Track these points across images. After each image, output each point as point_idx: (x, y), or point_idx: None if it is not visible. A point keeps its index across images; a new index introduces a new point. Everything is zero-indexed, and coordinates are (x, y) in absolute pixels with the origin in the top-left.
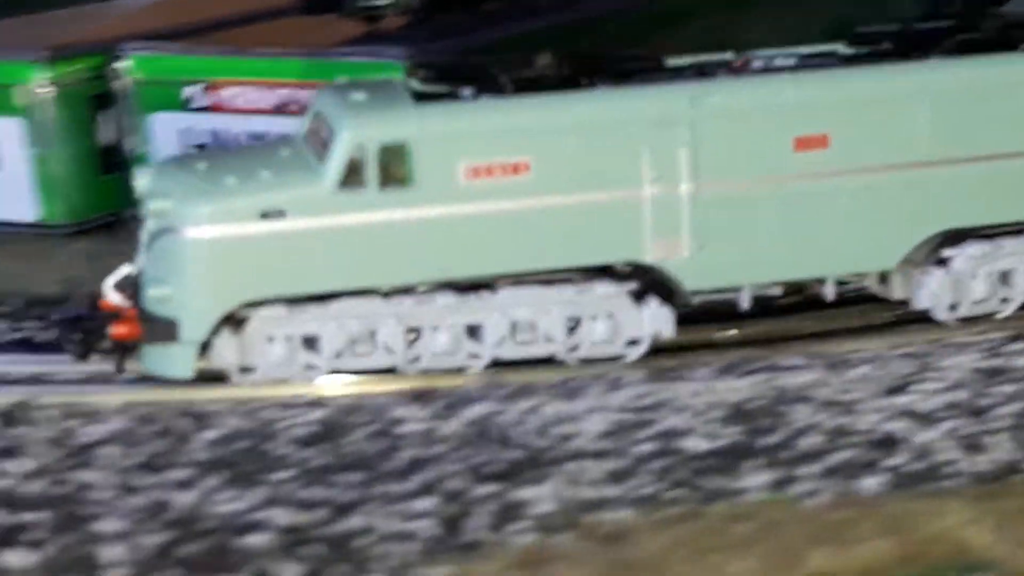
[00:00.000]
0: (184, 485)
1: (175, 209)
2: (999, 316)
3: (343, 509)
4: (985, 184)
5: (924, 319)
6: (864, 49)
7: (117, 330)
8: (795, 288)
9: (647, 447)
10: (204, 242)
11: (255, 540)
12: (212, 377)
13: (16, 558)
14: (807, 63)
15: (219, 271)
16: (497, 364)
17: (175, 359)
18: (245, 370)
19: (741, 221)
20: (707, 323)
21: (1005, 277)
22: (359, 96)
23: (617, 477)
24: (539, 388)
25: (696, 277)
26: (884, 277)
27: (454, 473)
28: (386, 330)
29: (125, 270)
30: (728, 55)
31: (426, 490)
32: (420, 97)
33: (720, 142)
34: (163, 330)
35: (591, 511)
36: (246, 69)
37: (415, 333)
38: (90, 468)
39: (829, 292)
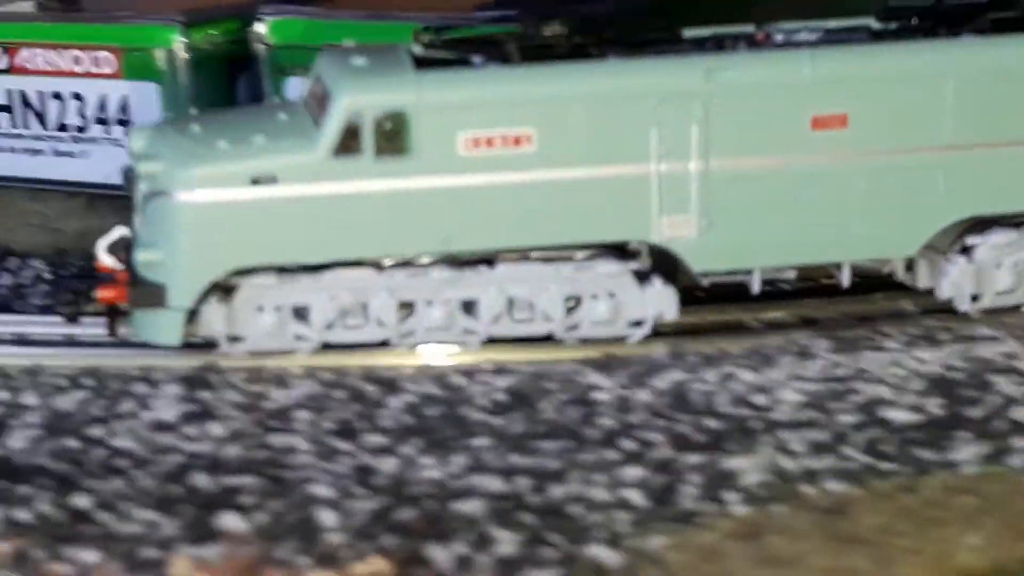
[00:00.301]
0: (384, 451)
1: (165, 172)
2: None
3: (550, 477)
4: (1012, 171)
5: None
6: (894, 25)
7: (104, 293)
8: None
9: (850, 418)
10: (193, 206)
11: (466, 507)
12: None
13: (232, 522)
14: (832, 38)
15: (208, 237)
16: (493, 341)
17: (163, 325)
18: (234, 339)
19: (753, 201)
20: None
21: None
22: (360, 61)
23: (824, 448)
24: (727, 357)
25: (705, 258)
26: (910, 264)
27: (658, 442)
28: (378, 303)
29: (119, 232)
30: (749, 27)
31: (632, 459)
32: (422, 64)
33: (734, 119)
34: (151, 295)
35: (803, 482)
36: (379, 32)
37: (409, 307)
38: (287, 433)
39: (845, 278)
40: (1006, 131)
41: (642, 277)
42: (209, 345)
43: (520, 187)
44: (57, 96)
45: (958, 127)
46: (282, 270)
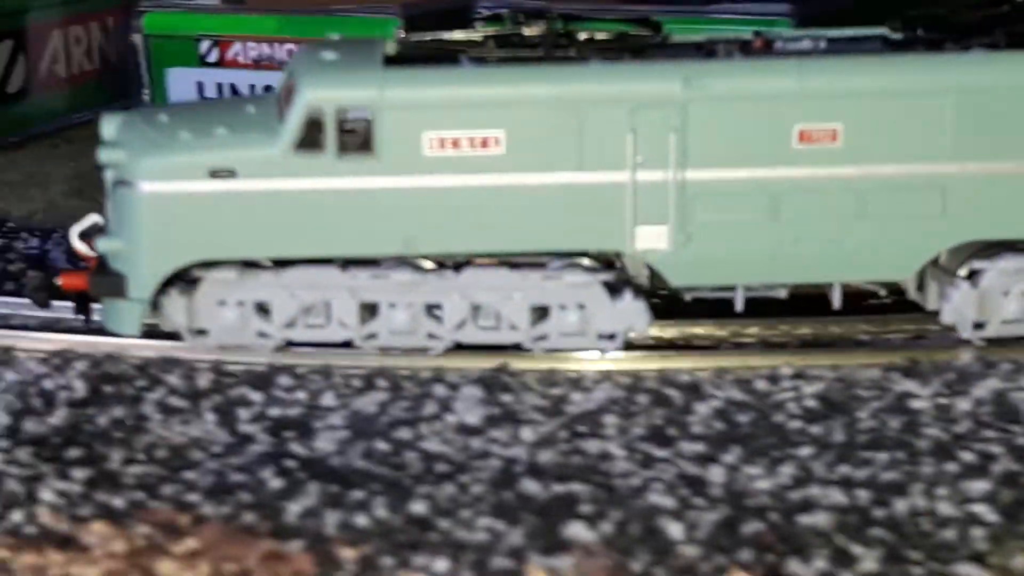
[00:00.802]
0: (706, 459)
1: (127, 161)
2: None
3: (890, 490)
4: (1015, 194)
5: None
6: (910, 36)
7: (66, 280)
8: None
9: None
10: (152, 197)
11: (813, 520)
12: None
13: (579, 531)
14: (838, 48)
15: (166, 228)
16: (461, 347)
17: (124, 315)
18: (199, 332)
19: (734, 216)
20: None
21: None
22: (330, 55)
23: None
24: None
25: (681, 272)
26: (921, 284)
27: (998, 454)
28: (339, 303)
29: (91, 219)
30: (747, 34)
31: (974, 471)
32: (395, 61)
33: (713, 129)
34: (111, 285)
35: None
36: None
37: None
38: (598, 438)
39: (836, 299)
40: (1011, 152)
41: (614, 289)
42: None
43: (487, 191)
44: (269, 90)
45: (959, 146)
46: (248, 264)
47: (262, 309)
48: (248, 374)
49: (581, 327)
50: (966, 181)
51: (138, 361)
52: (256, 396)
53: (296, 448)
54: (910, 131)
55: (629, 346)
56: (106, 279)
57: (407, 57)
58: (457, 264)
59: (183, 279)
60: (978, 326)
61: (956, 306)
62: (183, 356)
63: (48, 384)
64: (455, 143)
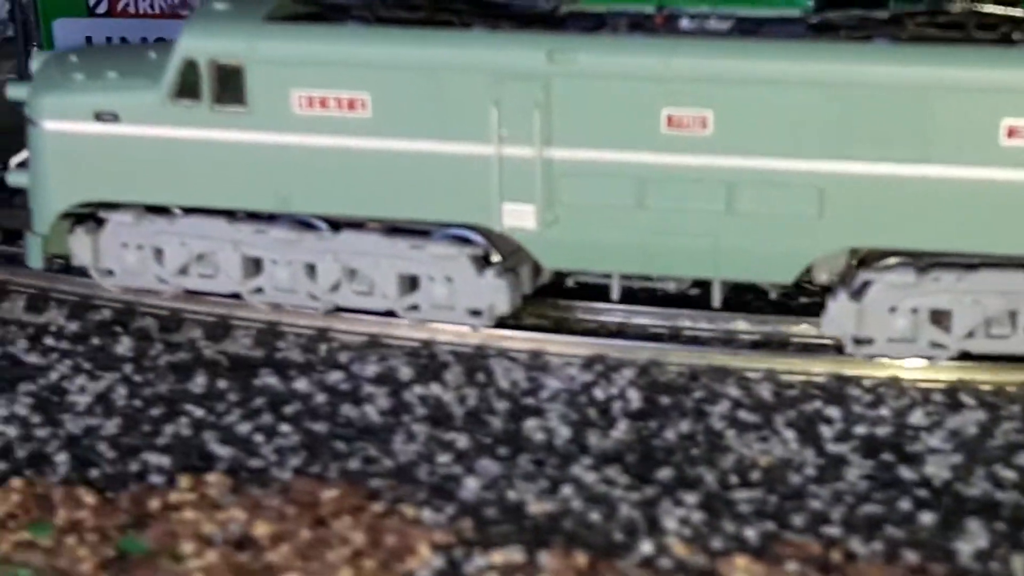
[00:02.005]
0: None
1: (29, 99)
2: (931, 362)
3: None
4: (905, 199)
5: None
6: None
7: None
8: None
9: None
10: (48, 135)
11: None
12: None
13: None
14: (748, 29)
15: (59, 167)
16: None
17: (31, 249)
18: (108, 272)
19: (601, 199)
20: None
21: (938, 318)
22: (220, 6)
23: None
24: None
25: (550, 255)
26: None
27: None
28: (223, 255)
29: (25, 153)
30: (649, 7)
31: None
32: (276, 17)
33: (580, 107)
34: (17, 217)
35: None
36: None
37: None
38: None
39: (715, 297)
40: (896, 154)
41: (483, 264)
42: None
43: (355, 153)
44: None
45: (840, 143)
46: (150, 208)
47: (159, 254)
48: (816, 385)
49: (450, 300)
50: (846, 183)
51: (684, 369)
52: (833, 411)
53: (907, 473)
54: (785, 124)
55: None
56: (13, 212)
57: (298, 14)
58: (336, 224)
59: (92, 218)
60: (864, 341)
61: (834, 318)
62: (734, 365)
63: (598, 393)
64: (323, 103)
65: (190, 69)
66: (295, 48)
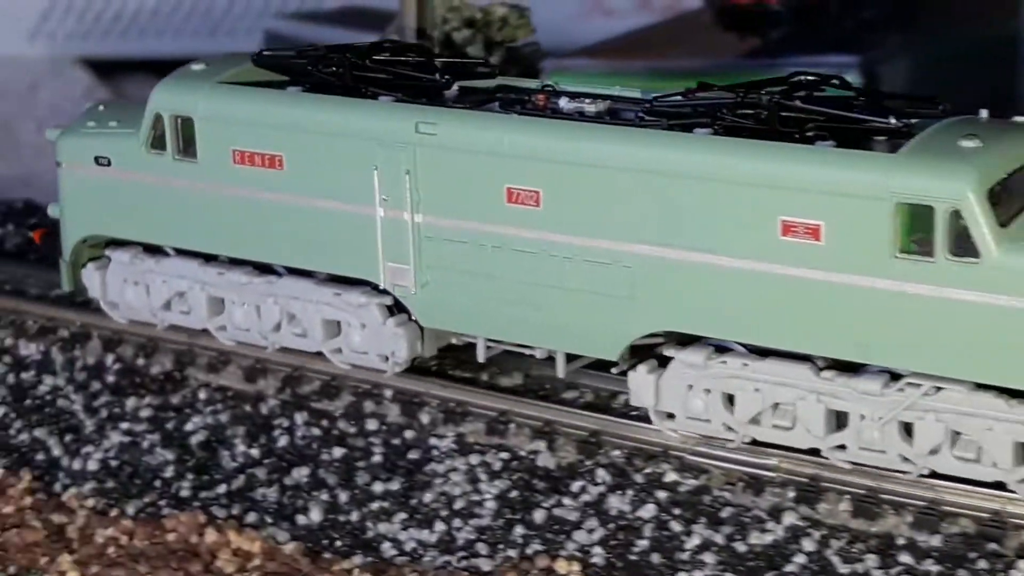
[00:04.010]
0: None
1: (55, 142)
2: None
3: None
4: (698, 289)
5: None
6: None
7: (37, 232)
8: None
9: None
10: (65, 174)
11: None
12: None
13: None
14: (611, 109)
15: (74, 203)
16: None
17: (62, 273)
18: (113, 305)
19: (463, 266)
20: None
21: (731, 400)
22: (198, 67)
23: None
24: None
25: (425, 315)
26: None
27: None
28: (192, 294)
29: None
30: (534, 84)
31: None
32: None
33: (439, 176)
34: (53, 243)
35: None
36: None
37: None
38: None
39: (559, 368)
40: (692, 241)
41: (391, 313)
42: None
43: (274, 207)
44: None
45: (645, 227)
46: (147, 248)
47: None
48: None
49: (365, 346)
50: (651, 267)
51: None
52: None
53: None
54: (601, 206)
55: None
56: (49, 238)
57: (251, 80)
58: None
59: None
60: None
61: (634, 391)
62: None
63: None
64: (251, 159)
65: (158, 123)
66: (228, 109)
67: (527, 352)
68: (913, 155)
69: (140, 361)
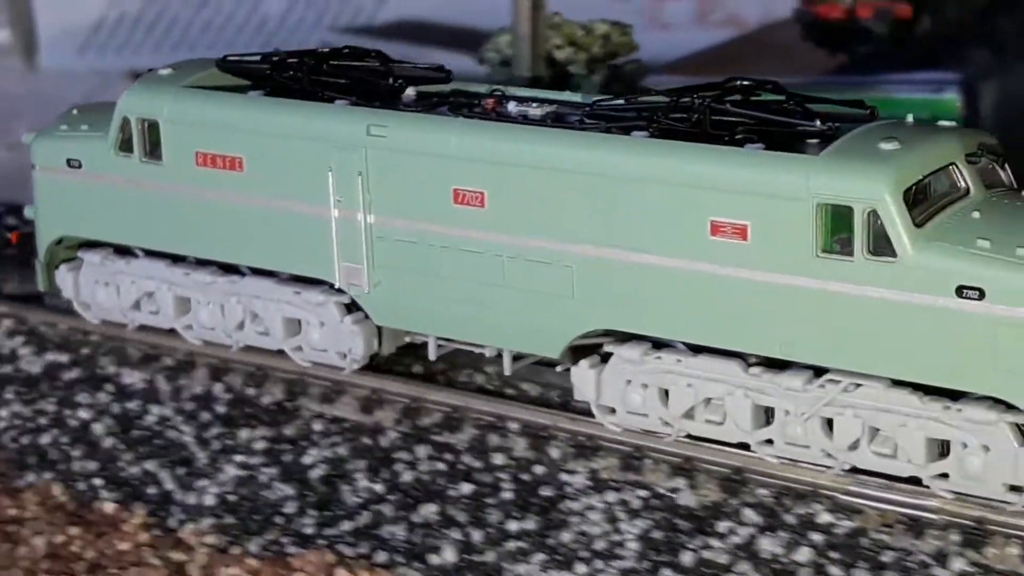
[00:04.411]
0: None
1: (29, 145)
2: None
3: None
4: (634, 287)
5: None
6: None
7: (15, 234)
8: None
9: None
10: (39, 177)
11: None
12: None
13: None
14: (553, 113)
15: (47, 205)
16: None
17: (38, 274)
18: (85, 306)
19: (413, 266)
20: None
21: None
22: (164, 73)
23: None
24: None
25: (379, 314)
26: None
27: None
28: (160, 294)
29: None
30: (483, 89)
31: None
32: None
33: (389, 178)
34: (29, 244)
35: None
36: None
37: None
38: None
39: (506, 366)
40: (626, 240)
41: (348, 311)
42: None
43: (236, 208)
44: None
45: (583, 227)
46: (119, 250)
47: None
48: None
49: (324, 343)
50: (590, 266)
51: None
52: None
53: None
54: (542, 206)
55: None
56: (29, 239)
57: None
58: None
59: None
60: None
61: (576, 385)
62: None
63: None
64: (213, 161)
65: (126, 126)
66: (192, 112)
67: (476, 351)
68: (833, 157)
69: (250, 391)
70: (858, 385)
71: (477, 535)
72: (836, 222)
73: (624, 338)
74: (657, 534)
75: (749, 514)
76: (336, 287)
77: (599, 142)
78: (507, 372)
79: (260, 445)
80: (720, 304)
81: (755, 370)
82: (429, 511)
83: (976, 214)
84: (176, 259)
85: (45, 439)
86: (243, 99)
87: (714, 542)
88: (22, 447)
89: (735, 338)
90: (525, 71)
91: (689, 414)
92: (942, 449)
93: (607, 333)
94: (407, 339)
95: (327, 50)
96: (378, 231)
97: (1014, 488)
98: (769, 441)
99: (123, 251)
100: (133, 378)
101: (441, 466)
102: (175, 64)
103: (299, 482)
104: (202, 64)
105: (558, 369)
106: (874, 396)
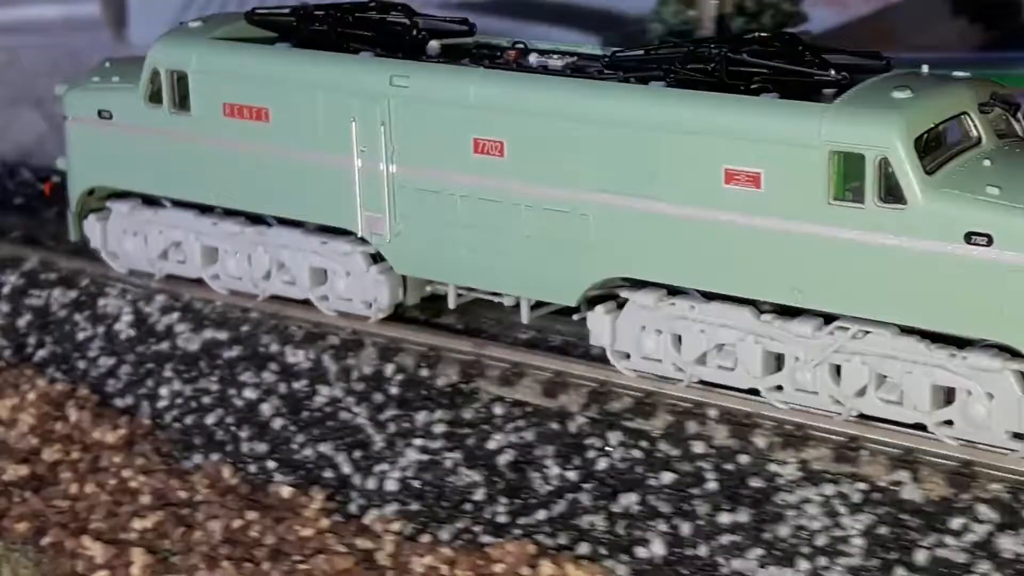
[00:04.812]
0: None
1: (62, 97)
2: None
3: None
4: (649, 235)
5: None
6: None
7: (47, 185)
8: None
9: None
10: (71, 128)
11: None
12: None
13: None
14: (572, 65)
15: (80, 156)
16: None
17: (70, 224)
18: (112, 255)
19: (433, 215)
20: None
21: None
22: (194, 25)
23: None
24: None
25: (400, 262)
26: None
27: None
28: (187, 244)
29: None
30: (505, 42)
31: None
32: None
33: (411, 128)
34: (60, 194)
35: None
36: None
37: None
38: None
39: (523, 314)
40: (651, 190)
41: (374, 261)
42: None
43: (263, 158)
44: None
45: (601, 176)
46: (147, 200)
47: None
48: None
49: (349, 293)
50: (606, 214)
51: None
52: None
53: None
54: (559, 155)
55: None
56: (61, 189)
57: (243, 36)
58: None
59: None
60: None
61: (592, 331)
62: None
63: None
64: (240, 111)
65: (156, 77)
66: (219, 63)
67: (496, 299)
68: (846, 105)
69: (423, 372)
70: (867, 332)
71: (686, 527)
72: (848, 169)
73: (640, 285)
74: (883, 530)
75: (984, 510)
76: (359, 236)
77: (615, 91)
78: (524, 320)
79: (439, 428)
80: (733, 252)
81: (767, 317)
82: (630, 501)
83: (987, 162)
84: (204, 209)
85: (210, 419)
86: (269, 50)
87: (949, 540)
88: (186, 427)
89: (747, 285)
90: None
91: (702, 360)
92: (948, 396)
93: (624, 281)
94: (428, 289)
95: (353, 3)
96: (400, 180)
97: (1018, 435)
98: (779, 387)
99: (151, 201)
100: (297, 357)
101: (637, 453)
102: (205, 16)
103: (486, 468)
104: (232, 17)
105: (575, 318)
106: (881, 343)
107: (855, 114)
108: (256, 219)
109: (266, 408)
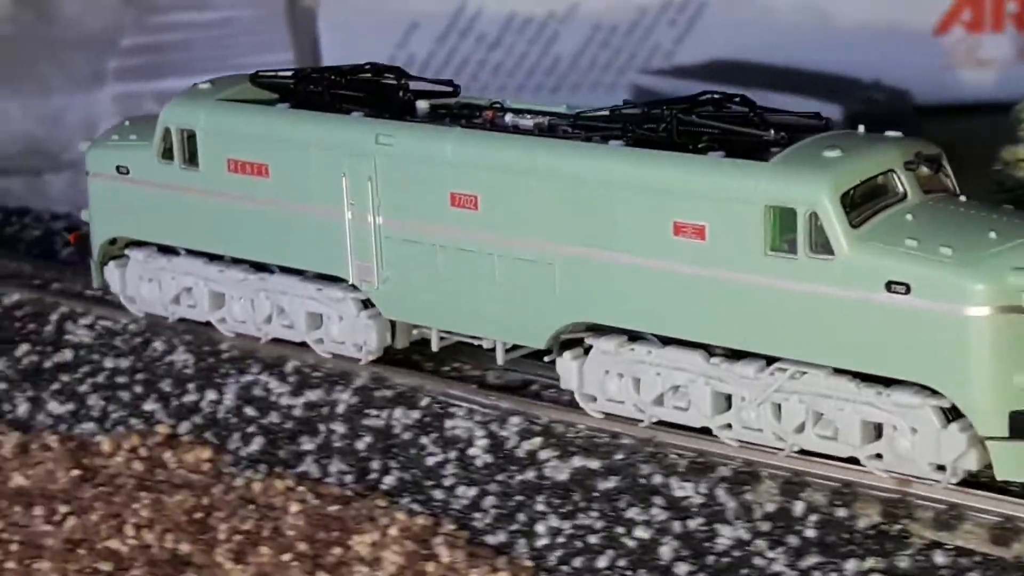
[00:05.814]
0: None
1: (85, 153)
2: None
3: None
4: (619, 282)
5: None
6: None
7: (74, 234)
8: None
9: None
10: (92, 182)
11: None
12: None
13: None
14: (544, 124)
15: (100, 208)
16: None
17: (93, 271)
18: (131, 300)
19: (416, 264)
20: None
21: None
22: (203, 87)
23: None
24: None
25: (388, 307)
26: None
27: None
28: (197, 290)
29: None
30: (484, 101)
31: None
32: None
33: (396, 183)
34: (87, 245)
35: None
36: None
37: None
38: None
39: (498, 355)
40: (606, 240)
41: (365, 306)
42: None
43: (263, 211)
44: None
45: (568, 228)
46: (162, 249)
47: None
48: None
49: (343, 336)
50: (569, 264)
51: None
52: None
53: None
54: (528, 209)
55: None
56: (85, 239)
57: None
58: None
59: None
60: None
61: (561, 374)
62: None
63: None
64: (242, 167)
65: (168, 135)
66: (224, 122)
67: (475, 342)
68: (781, 164)
69: (840, 512)
70: (803, 373)
71: None
72: (783, 223)
73: (604, 331)
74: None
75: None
76: (351, 283)
77: (577, 150)
78: (499, 362)
79: None
80: (683, 299)
81: (716, 360)
82: None
83: (909, 216)
84: (213, 257)
85: (601, 562)
86: (269, 111)
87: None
88: (576, 570)
89: (697, 330)
90: None
91: (659, 401)
92: (878, 431)
93: (588, 328)
94: (416, 332)
95: (349, 67)
96: (386, 231)
97: (940, 467)
98: (728, 425)
99: (167, 250)
100: (685, 490)
101: None
102: (214, 79)
103: None
104: (238, 79)
105: (546, 359)
106: (816, 383)
107: (788, 172)
108: (261, 267)
109: (665, 551)
